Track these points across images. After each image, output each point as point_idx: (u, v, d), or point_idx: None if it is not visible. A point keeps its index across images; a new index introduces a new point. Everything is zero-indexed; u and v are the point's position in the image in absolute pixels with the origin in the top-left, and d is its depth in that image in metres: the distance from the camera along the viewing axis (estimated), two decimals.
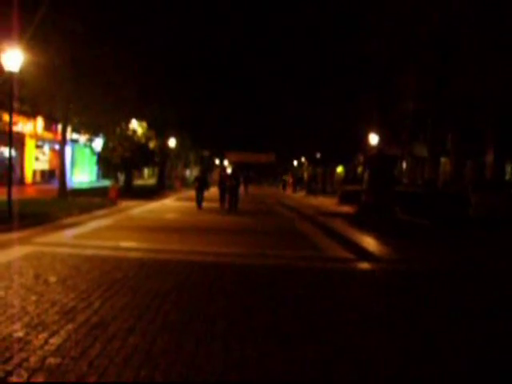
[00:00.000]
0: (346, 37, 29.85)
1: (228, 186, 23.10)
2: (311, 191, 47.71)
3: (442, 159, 31.68)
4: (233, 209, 22.31)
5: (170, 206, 25.56)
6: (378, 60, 26.82)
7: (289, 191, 54.22)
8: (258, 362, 4.68)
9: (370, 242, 13.54)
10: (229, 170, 71.45)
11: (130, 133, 31.98)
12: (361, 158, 42.33)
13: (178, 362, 4.58)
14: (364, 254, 11.59)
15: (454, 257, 11.83)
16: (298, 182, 56.25)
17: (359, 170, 45.07)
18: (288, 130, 53.15)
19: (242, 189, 38.69)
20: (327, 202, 32.68)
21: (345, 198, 30.59)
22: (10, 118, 14.87)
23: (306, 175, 61.84)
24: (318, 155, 51.07)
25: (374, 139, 28.96)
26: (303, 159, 65.01)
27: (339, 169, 52.61)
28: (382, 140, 29.22)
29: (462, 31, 23.57)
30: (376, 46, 24.29)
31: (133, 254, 10.20)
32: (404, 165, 37.53)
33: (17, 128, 29.06)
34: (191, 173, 63.72)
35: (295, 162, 71.60)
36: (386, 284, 8.67)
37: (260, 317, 6.11)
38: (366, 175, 22.88)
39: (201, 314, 6.10)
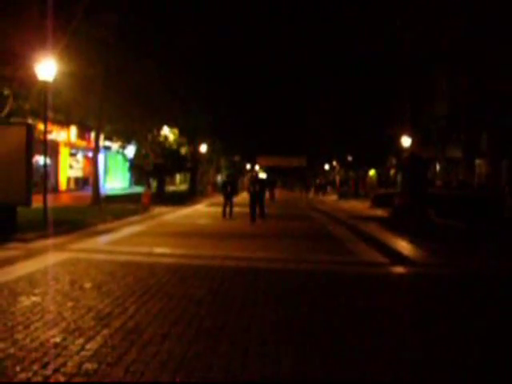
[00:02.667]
0: (377, 38, 29.58)
1: (251, 192, 21.08)
2: (343, 195, 47.38)
3: (477, 160, 31.09)
4: (257, 216, 20.14)
5: (202, 211, 25.67)
6: (410, 61, 26.48)
7: (320, 195, 53.93)
8: (294, 369, 4.63)
9: (404, 246, 13.34)
10: (262, 175, 71.51)
11: (161, 139, 32.27)
12: (393, 161, 41.87)
13: (213, 367, 4.56)
14: (398, 257, 11.42)
15: (490, 260, 11.55)
16: (322, 187, 56.20)
17: (392, 172, 44.58)
18: (319, 133, 52.94)
19: (267, 194, 38.73)
20: (359, 206, 32.39)
21: (377, 202, 30.26)
22: (45, 126, 15.15)
23: (337, 179, 61.44)
24: (350, 158, 50.71)
25: (406, 141, 28.57)
26: (334, 163, 64.62)
27: (371, 172, 52.13)
28: (414, 142, 28.82)
29: (495, 29, 23.13)
30: (407, 47, 23.96)
31: (166, 260, 10.24)
32: (437, 167, 36.98)
33: (51, 136, 29.60)
34: (222, 178, 63.95)
35: (326, 166, 71.22)
36: (422, 289, 8.50)
37: (295, 322, 6.05)
38: (398, 178, 22.60)
39: (236, 319, 6.07)
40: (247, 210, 23.29)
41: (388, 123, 33.09)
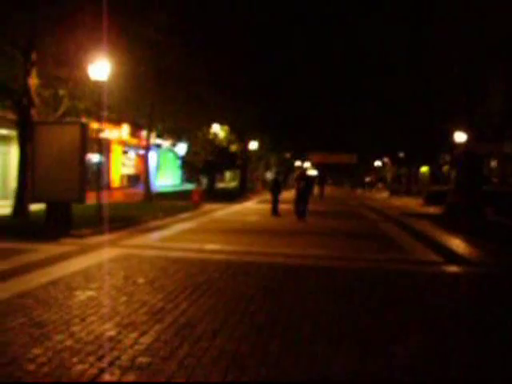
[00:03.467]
0: (429, 31, 28.97)
1: (296, 190, 20.49)
2: (394, 192, 46.65)
3: None
4: (301, 215, 19.40)
5: (251, 208, 25.73)
6: (463, 56, 25.80)
7: (371, 192, 53.29)
8: (344, 366, 4.56)
9: (458, 245, 13.00)
10: (312, 172, 70.98)
11: (211, 137, 32.52)
12: (447, 157, 40.89)
13: (265, 364, 4.55)
14: (453, 256, 11.13)
15: None
16: (367, 184, 55.83)
17: (445, 169, 43.56)
18: (370, 129, 52.22)
19: (315, 191, 38.45)
20: (412, 203, 31.81)
21: (430, 199, 29.65)
22: (99, 125, 15.49)
23: (388, 176, 60.54)
24: (402, 155, 49.86)
25: (460, 137, 27.88)
26: (386, 159, 63.69)
27: (424, 169, 51.07)
28: (469, 138, 28.06)
29: None
30: (462, 42, 23.38)
31: (217, 257, 10.30)
32: (493, 163, 35.90)
33: (104, 135, 30.23)
34: (271, 176, 64.00)
35: (378, 163, 70.29)
36: (478, 288, 8.27)
37: (346, 321, 5.98)
38: (453, 175, 22.06)
39: (287, 316, 6.05)
40: None
41: (442, 119, 32.33)
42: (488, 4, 23.47)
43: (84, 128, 13.43)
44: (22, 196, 15.12)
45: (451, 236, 14.63)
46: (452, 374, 4.50)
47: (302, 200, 19.83)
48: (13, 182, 19.03)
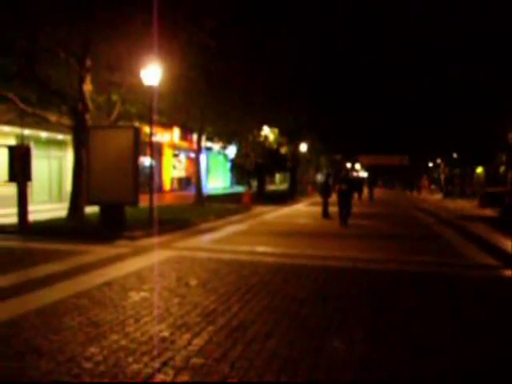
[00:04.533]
0: (480, 22, 28.22)
1: (338, 193, 19.00)
2: (448, 194, 45.63)
3: None
4: (342, 221, 17.90)
5: (302, 210, 25.62)
6: None
7: (424, 194, 52.30)
8: (394, 370, 4.47)
9: None
10: (363, 174, 70.10)
11: (261, 139, 32.58)
12: (503, 157, 39.67)
13: (318, 367, 4.50)
14: (511, 260, 10.76)
15: None
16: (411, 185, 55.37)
17: (501, 170, 42.28)
18: (423, 130, 51.22)
19: (365, 193, 37.92)
20: (466, 205, 31.01)
21: (486, 201, 28.82)
22: (150, 129, 15.76)
23: (442, 177, 59.26)
24: (455, 155, 48.72)
25: None
26: (439, 160, 62.34)
27: (479, 169, 49.73)
28: None
29: None
30: None
31: (268, 259, 10.29)
32: None
33: (155, 138, 30.77)
34: (320, 178, 63.64)
35: (430, 164, 68.89)
36: None
37: (401, 327, 5.86)
38: (509, 175, 21.39)
39: (339, 320, 5.97)
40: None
41: (497, 118, 31.39)
42: None
43: (137, 132, 13.67)
44: (78, 199, 15.52)
45: (509, 239, 14.15)
46: None
47: (344, 204, 18.34)
48: (68, 185, 19.58)
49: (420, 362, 4.71)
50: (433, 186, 63.24)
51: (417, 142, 57.37)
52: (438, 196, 46.72)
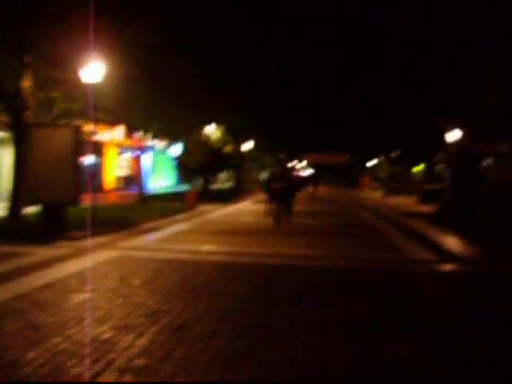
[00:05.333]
0: (422, 26, 28.99)
1: (273, 191, 17.18)
2: (389, 191, 46.74)
3: None
4: (279, 222, 16.57)
5: (246, 209, 25.74)
6: (460, 52, 25.88)
7: (366, 191, 53.42)
8: (344, 363, 4.58)
9: (453, 243, 13.04)
10: (307, 172, 70.82)
11: (206, 138, 32.51)
12: (441, 156, 40.99)
13: (261, 364, 4.56)
14: (448, 255, 11.16)
15: None
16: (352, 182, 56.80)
17: (439, 168, 43.67)
18: (364, 129, 52.30)
19: (310, 190, 38.45)
20: (407, 202, 31.87)
21: (425, 198, 29.71)
22: (92, 127, 15.49)
23: (383, 175, 60.66)
24: (396, 154, 49.93)
25: (455, 135, 28.00)
26: (380, 158, 63.78)
27: (418, 167, 51.18)
28: (464, 136, 28.17)
29: None
30: (458, 36, 23.45)
31: (213, 258, 10.31)
32: (488, 162, 36.04)
33: (98, 137, 30.23)
34: (265, 176, 63.97)
35: (372, 162, 70.39)
36: (473, 286, 8.30)
37: (344, 321, 6.00)
38: (447, 173, 22.12)
39: (281, 317, 6.06)
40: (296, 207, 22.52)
41: (437, 117, 32.40)
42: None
43: (78, 130, 13.40)
44: (17, 198, 15.08)
45: (446, 234, 14.67)
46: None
47: (282, 203, 16.87)
48: (7, 184, 18.99)
49: (354, 359, 4.85)
50: (375, 184, 64.61)
51: (360, 140, 58.55)
52: (379, 193, 47.78)
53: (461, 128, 27.96)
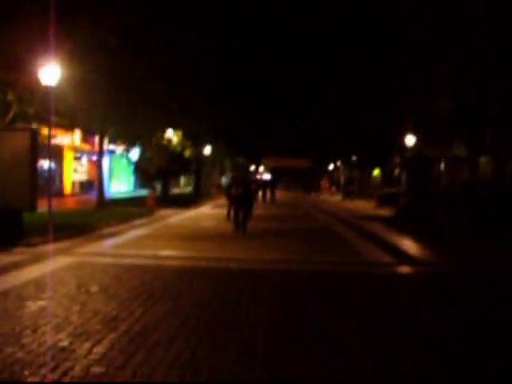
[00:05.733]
0: (380, 35, 29.55)
1: (233, 197, 16.88)
2: (348, 195, 47.35)
3: (482, 159, 31.02)
4: (240, 227, 16.20)
5: (206, 213, 25.68)
6: (414, 59, 26.47)
7: (324, 195, 53.98)
8: (304, 368, 4.63)
9: (410, 245, 13.33)
10: (266, 176, 71.06)
11: (165, 142, 32.31)
12: (397, 160, 41.82)
13: (221, 369, 4.57)
14: (404, 257, 11.40)
15: (496, 259, 11.52)
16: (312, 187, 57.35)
17: (396, 172, 44.52)
18: (325, 134, 52.91)
19: (268, 195, 38.55)
20: (364, 206, 32.36)
21: (382, 201, 30.26)
22: (49, 131, 15.20)
23: (342, 179, 61.42)
24: (354, 158, 50.67)
25: (410, 140, 28.59)
26: (339, 163, 64.58)
27: (376, 172, 52.05)
28: (419, 141, 28.80)
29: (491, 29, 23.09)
30: (413, 44, 23.98)
31: (172, 263, 10.26)
32: (442, 166, 36.92)
33: (56, 141, 29.70)
34: (226, 180, 64.05)
35: (331, 166, 71.17)
36: (428, 287, 8.49)
37: (303, 324, 6.05)
38: (403, 177, 22.58)
39: (242, 321, 6.08)
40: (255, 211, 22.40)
41: (393, 122, 33.05)
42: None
43: (34, 134, 13.12)
44: None
45: (403, 237, 14.98)
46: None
47: (240, 209, 16.48)
48: None
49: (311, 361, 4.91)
50: (333, 188, 65.37)
51: (319, 145, 59.19)
52: (338, 197, 48.36)
53: (415, 133, 28.57)
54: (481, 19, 23.85)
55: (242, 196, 16.55)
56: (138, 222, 19.28)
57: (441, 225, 18.61)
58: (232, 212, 17.27)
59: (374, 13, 29.95)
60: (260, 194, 37.31)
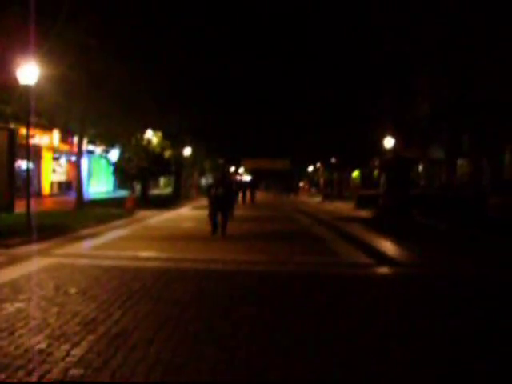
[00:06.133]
0: (359, 38, 29.76)
1: (212, 197, 15.93)
2: (327, 196, 47.57)
3: (459, 161, 31.40)
4: (218, 230, 15.64)
5: (186, 214, 25.61)
6: (392, 62, 26.71)
7: (304, 197, 54.16)
8: (282, 370, 4.64)
9: (388, 247, 13.44)
10: (246, 177, 71.06)
11: (144, 143, 32.15)
12: (376, 162, 42.15)
13: (200, 371, 4.56)
14: (383, 258, 11.49)
15: (472, 261, 11.67)
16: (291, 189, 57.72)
17: (375, 174, 44.86)
18: (304, 135, 53.10)
19: (248, 197, 38.55)
20: (344, 207, 32.54)
21: (361, 203, 30.46)
22: (28, 131, 15.04)
23: (321, 181, 61.71)
24: (334, 160, 50.94)
25: (389, 142, 28.84)
26: (318, 164, 64.88)
27: (355, 173, 52.40)
28: (397, 143, 29.07)
29: (471, 32, 23.37)
30: (390, 47, 24.19)
31: (151, 264, 10.22)
32: (420, 168, 37.30)
33: (34, 141, 29.39)
34: (207, 181, 63.89)
35: (310, 168, 71.46)
36: (407, 289, 8.57)
37: (282, 327, 6.07)
38: (382, 179, 22.77)
39: (222, 322, 6.07)
40: (236, 212, 22.32)
41: (372, 124, 33.30)
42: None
43: (12, 134, 13.01)
44: None
45: (382, 238, 15.09)
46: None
47: (219, 211, 15.88)
48: None
49: (292, 363, 4.93)
50: (312, 189, 65.64)
51: (298, 146, 59.37)
52: (318, 199, 48.55)
53: (394, 135, 28.83)
54: (454, 21, 24.14)
55: (222, 196, 16.11)
56: (117, 223, 19.16)
57: (418, 226, 18.79)
58: (213, 213, 16.47)
59: (353, 16, 30.20)
60: (240, 195, 37.36)
